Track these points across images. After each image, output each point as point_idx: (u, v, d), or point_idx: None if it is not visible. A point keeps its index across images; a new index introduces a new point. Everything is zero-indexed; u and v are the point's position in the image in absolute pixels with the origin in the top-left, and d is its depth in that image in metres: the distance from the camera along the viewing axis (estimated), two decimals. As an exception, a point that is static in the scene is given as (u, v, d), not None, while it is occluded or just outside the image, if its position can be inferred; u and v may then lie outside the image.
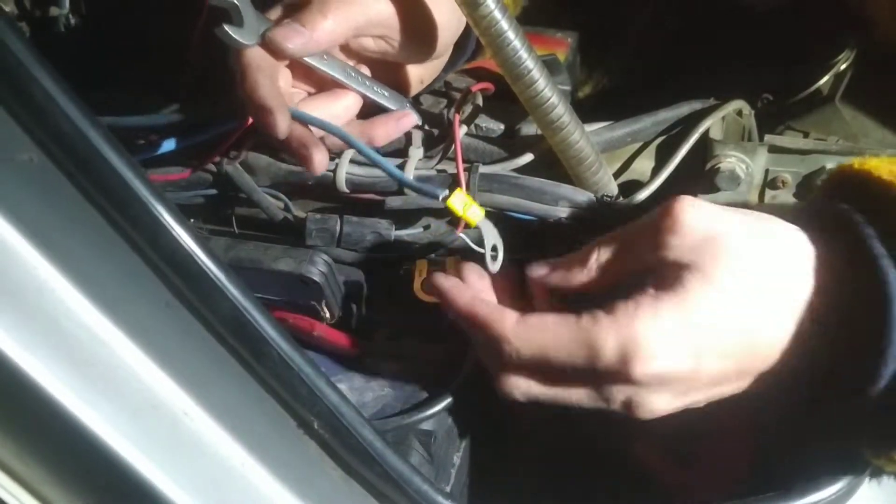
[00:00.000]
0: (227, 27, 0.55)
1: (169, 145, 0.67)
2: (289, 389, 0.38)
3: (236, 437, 0.39)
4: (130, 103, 0.72)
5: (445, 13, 0.62)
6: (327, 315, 0.63)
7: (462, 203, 0.53)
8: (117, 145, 0.33)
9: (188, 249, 0.35)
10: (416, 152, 0.68)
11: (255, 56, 0.56)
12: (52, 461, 0.38)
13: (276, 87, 0.56)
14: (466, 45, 0.69)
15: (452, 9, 0.59)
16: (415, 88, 0.69)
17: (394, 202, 0.66)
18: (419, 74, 0.67)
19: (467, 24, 0.62)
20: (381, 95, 0.64)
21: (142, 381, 0.37)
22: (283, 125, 0.55)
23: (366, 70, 0.65)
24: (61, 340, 0.35)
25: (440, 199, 0.53)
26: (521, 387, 0.49)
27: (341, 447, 0.40)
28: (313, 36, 0.57)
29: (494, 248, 0.55)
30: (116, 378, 0.36)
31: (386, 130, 0.64)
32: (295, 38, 0.57)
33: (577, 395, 0.48)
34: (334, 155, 0.68)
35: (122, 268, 0.35)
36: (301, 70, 0.61)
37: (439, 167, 0.67)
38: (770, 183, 0.66)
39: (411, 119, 0.65)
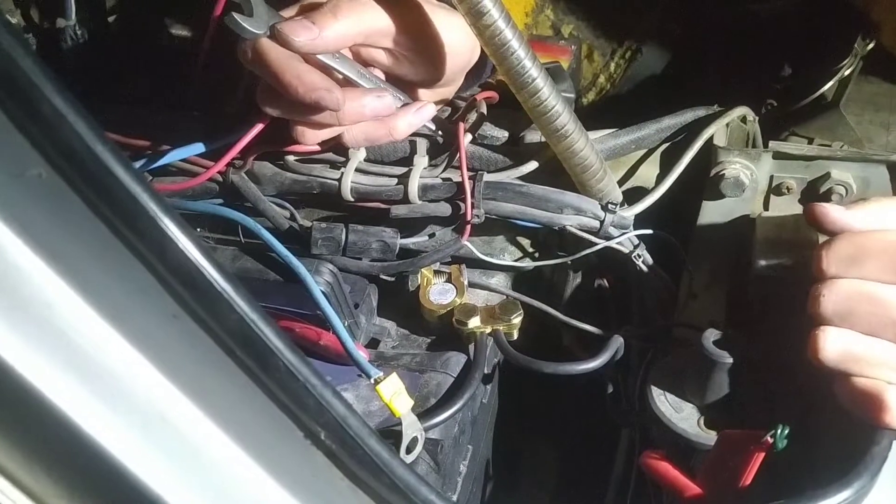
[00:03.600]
0: (236, 15, 0.56)
1: (176, 155, 0.68)
2: (296, 400, 0.38)
3: (244, 448, 0.39)
4: (137, 115, 0.73)
5: (457, 38, 0.62)
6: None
7: (391, 391, 0.52)
8: (125, 160, 0.33)
9: (195, 262, 0.35)
10: (421, 161, 0.68)
11: (281, 50, 0.57)
12: (61, 473, 0.38)
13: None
14: (481, 72, 0.69)
15: (465, 35, 0.59)
16: None
17: (399, 210, 0.66)
18: (430, 98, 0.68)
19: (483, 53, 0.63)
20: (396, 98, 0.65)
21: (150, 393, 0.37)
22: (341, 96, 0.57)
23: (379, 74, 0.66)
24: (70, 353, 0.36)
25: (371, 380, 0.52)
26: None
27: (348, 458, 0.40)
28: (322, 34, 0.58)
29: (413, 441, 0.53)
30: (125, 390, 0.37)
31: (407, 121, 0.64)
32: (302, 34, 0.57)
33: None
34: (340, 164, 0.68)
35: (131, 281, 0.35)
36: (316, 67, 0.61)
37: (444, 175, 0.67)
38: (775, 189, 0.66)
39: (430, 109, 0.65)
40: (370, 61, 0.64)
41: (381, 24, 0.61)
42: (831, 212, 0.50)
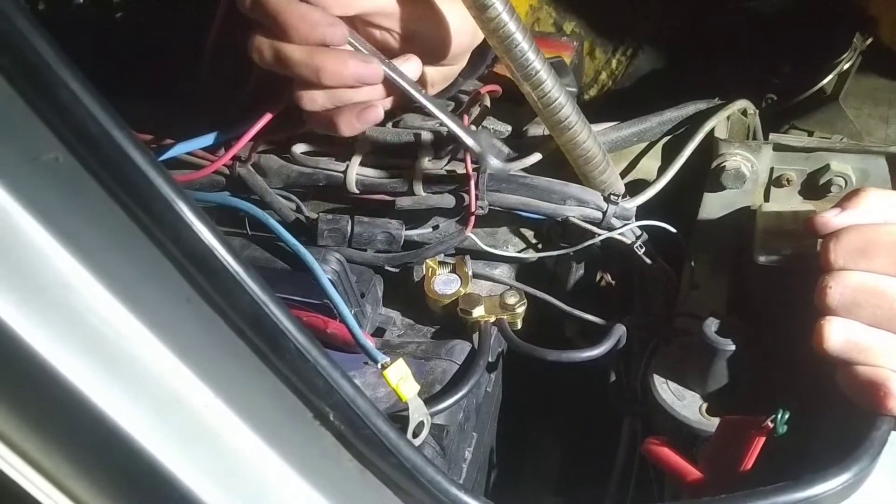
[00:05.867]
0: None
1: (182, 148, 0.68)
2: (305, 382, 0.39)
3: (255, 429, 0.40)
4: (143, 107, 0.74)
5: (459, 19, 0.62)
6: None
7: (398, 376, 0.52)
8: (141, 145, 0.34)
9: (209, 246, 0.36)
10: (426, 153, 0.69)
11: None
12: (77, 454, 0.38)
13: None
14: (485, 56, 0.69)
15: (467, 16, 0.59)
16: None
17: (404, 202, 0.67)
18: (430, 76, 0.68)
19: None
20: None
21: (164, 374, 0.38)
22: (345, 29, 0.57)
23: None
24: (86, 335, 0.36)
25: (378, 365, 0.53)
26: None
27: (356, 438, 0.41)
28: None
29: (420, 426, 0.53)
30: (139, 371, 0.37)
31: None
32: None
33: None
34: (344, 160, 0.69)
35: (145, 264, 0.36)
36: None
37: (448, 168, 0.68)
38: (775, 181, 0.67)
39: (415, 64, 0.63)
40: (368, 40, 0.63)
41: (377, 4, 0.60)
42: (831, 220, 0.51)
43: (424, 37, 0.63)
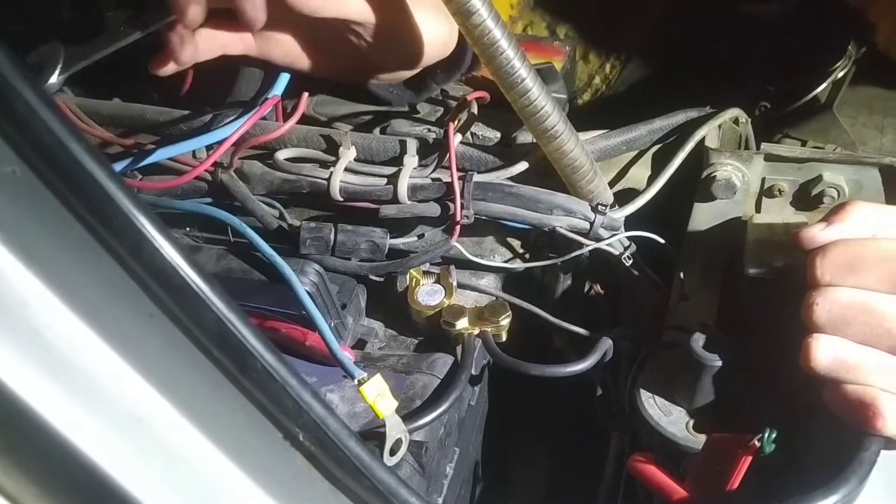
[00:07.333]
0: None
1: (164, 153, 0.67)
2: (274, 401, 0.38)
3: (222, 449, 0.39)
4: (127, 111, 0.72)
5: (430, 32, 0.61)
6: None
7: (375, 392, 0.51)
8: (100, 157, 0.33)
9: (171, 261, 0.34)
10: (411, 161, 0.68)
11: None
12: (35, 474, 0.37)
13: None
14: (456, 67, 0.68)
15: (438, 30, 0.58)
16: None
17: (388, 211, 0.66)
18: (386, 80, 0.66)
19: (461, 39, 0.62)
20: None
21: (126, 393, 0.37)
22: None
23: None
24: (45, 351, 0.35)
25: (355, 381, 0.51)
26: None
27: (327, 459, 0.40)
28: None
29: (397, 443, 0.52)
30: (100, 389, 0.36)
31: None
32: None
33: None
34: (329, 164, 0.68)
35: (106, 279, 0.35)
36: None
37: (434, 176, 0.67)
38: (767, 191, 0.66)
39: None
40: (344, 45, 0.62)
41: (358, 10, 0.59)
42: (817, 235, 0.50)
43: (397, 46, 0.62)
